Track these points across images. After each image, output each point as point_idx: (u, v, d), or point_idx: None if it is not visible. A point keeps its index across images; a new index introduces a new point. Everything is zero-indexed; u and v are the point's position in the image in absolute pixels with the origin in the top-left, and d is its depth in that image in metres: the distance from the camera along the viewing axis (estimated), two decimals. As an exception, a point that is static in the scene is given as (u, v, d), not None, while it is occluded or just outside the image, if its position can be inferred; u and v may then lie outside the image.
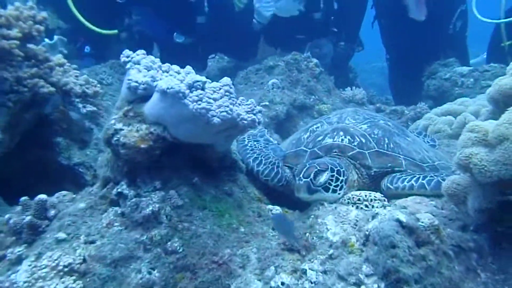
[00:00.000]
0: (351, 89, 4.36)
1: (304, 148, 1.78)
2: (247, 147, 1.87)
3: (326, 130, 1.79)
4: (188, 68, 1.52)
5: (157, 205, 1.46)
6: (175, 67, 1.59)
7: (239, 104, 1.50)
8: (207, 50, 4.61)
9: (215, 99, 1.43)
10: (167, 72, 1.55)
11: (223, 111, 1.41)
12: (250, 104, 1.53)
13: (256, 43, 4.67)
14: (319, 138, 1.76)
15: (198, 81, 1.43)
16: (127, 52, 1.51)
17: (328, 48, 4.72)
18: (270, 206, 1.67)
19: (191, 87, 1.42)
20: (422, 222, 1.13)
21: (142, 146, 1.44)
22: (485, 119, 1.33)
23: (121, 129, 1.44)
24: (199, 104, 1.39)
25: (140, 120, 1.47)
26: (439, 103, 3.82)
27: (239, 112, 1.45)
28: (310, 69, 4.12)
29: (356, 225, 1.32)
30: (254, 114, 1.51)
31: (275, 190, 1.78)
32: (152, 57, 1.56)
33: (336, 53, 4.88)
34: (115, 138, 1.44)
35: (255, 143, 1.90)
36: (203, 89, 1.46)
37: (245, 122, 1.48)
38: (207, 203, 1.58)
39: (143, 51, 1.54)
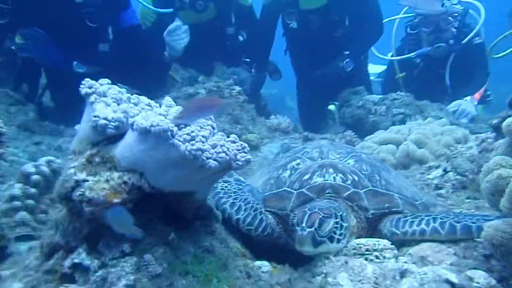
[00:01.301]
0: (276, 117, 4.29)
1: (289, 189, 1.57)
2: (220, 190, 1.60)
3: (312, 167, 1.60)
4: (168, 99, 1.23)
5: (131, 277, 1.13)
6: (144, 99, 1.29)
7: (232, 142, 1.26)
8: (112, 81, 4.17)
9: (206, 137, 1.17)
10: (137, 105, 1.25)
11: (220, 152, 1.15)
12: (237, 141, 1.29)
13: (165, 75, 4.40)
14: (306, 177, 1.57)
15: (187, 116, 1.16)
16: (89, 82, 1.18)
17: (245, 74, 4.64)
18: (258, 263, 1.42)
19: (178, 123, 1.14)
20: (478, 283, 0.98)
21: (115, 200, 1.11)
22: (502, 152, 1.25)
23: (85, 180, 1.10)
24: (193, 145, 1.11)
25: (110, 167, 1.13)
26: (356, 131, 3.92)
27: (235, 152, 1.21)
28: (234, 97, 3.97)
29: (378, 285, 1.14)
30: (246, 153, 1.27)
31: (256, 241, 1.53)
32: (117, 87, 1.24)
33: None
34: (77, 193, 1.08)
35: (226, 184, 1.64)
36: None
37: (239, 163, 1.23)
38: (189, 266, 1.28)
39: (107, 80, 1.22)
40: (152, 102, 1.29)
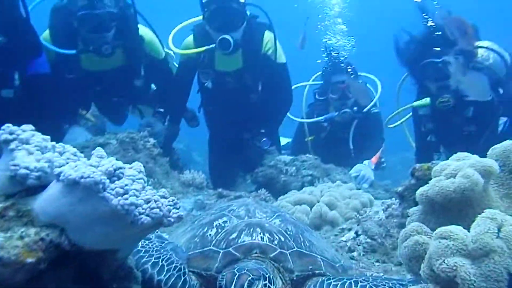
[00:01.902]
0: (190, 172, 4.23)
1: (215, 248, 1.52)
2: (140, 248, 1.50)
3: (239, 225, 1.58)
4: (99, 150, 1.16)
5: None
6: (71, 148, 1.20)
7: (162, 197, 1.20)
8: None
9: (139, 191, 1.11)
10: (62, 155, 1.15)
11: (154, 208, 1.09)
12: (167, 196, 1.24)
13: (69, 123, 4.18)
14: (233, 236, 1.54)
15: (120, 168, 1.09)
16: (10, 127, 1.06)
17: (160, 127, 4.58)
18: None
19: (111, 175, 1.07)
20: None
21: (28, 260, 0.98)
22: (417, 219, 1.36)
23: (-6, 237, 0.96)
24: (126, 199, 1.04)
25: (27, 221, 1.01)
26: (268, 189, 4.02)
27: (169, 208, 1.15)
28: (148, 149, 3.86)
29: None
30: (178, 209, 1.23)
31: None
32: (41, 135, 1.14)
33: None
34: (-16, 251, 0.94)
35: (147, 242, 1.54)
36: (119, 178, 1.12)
37: (172, 220, 1.17)
38: (105, 333, 1.16)
39: (31, 126, 1.11)
40: (78, 152, 1.21)
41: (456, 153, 1.39)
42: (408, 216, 1.53)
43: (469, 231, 1.07)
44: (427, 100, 4.05)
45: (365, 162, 4.89)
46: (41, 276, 1.07)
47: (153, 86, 4.82)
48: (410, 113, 4.71)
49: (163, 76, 4.57)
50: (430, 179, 1.39)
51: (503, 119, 3.85)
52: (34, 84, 3.55)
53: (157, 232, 1.67)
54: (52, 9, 4.01)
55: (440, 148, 4.36)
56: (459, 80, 3.49)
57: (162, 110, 4.60)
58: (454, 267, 1.01)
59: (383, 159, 5.62)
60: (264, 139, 4.56)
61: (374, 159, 5.07)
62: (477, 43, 3.89)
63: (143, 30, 4.25)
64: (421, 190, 1.33)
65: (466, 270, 0.99)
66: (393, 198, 2.49)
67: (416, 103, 4.22)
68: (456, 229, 1.07)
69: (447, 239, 1.06)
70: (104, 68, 4.13)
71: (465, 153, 1.36)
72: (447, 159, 1.40)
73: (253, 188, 4.34)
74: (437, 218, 1.29)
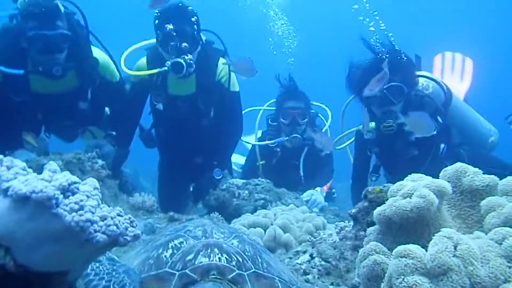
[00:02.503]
0: (140, 195, 4.10)
1: (170, 270, 1.45)
2: (90, 271, 1.41)
3: (196, 246, 1.53)
4: (53, 164, 1.09)
5: None
6: (20, 163, 1.12)
7: (118, 215, 1.14)
8: None
9: (94, 208, 1.05)
10: (10, 169, 1.07)
11: (111, 225, 1.03)
12: (123, 214, 1.19)
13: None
14: (190, 257, 1.48)
15: (75, 182, 1.03)
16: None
17: (109, 148, 4.42)
18: None
19: (65, 190, 1.01)
20: None
21: (-31, 282, 0.89)
22: (374, 239, 1.38)
23: None
24: (81, 215, 0.98)
25: (-31, 239, 0.92)
26: (220, 213, 3.97)
27: (126, 226, 1.10)
28: (95, 170, 3.69)
29: None
30: (135, 228, 1.17)
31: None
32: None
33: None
34: None
35: (97, 264, 1.45)
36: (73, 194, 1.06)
37: (128, 239, 1.12)
38: None
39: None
40: (27, 168, 1.13)
41: (399, 176, 1.44)
42: (362, 238, 1.56)
43: (426, 250, 1.10)
44: (372, 124, 4.20)
45: (317, 189, 4.96)
46: (-19, 300, 0.98)
47: (107, 109, 4.67)
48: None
49: (117, 99, 4.45)
50: (383, 201, 1.43)
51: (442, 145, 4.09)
52: None
53: (108, 254, 1.59)
54: (2, 29, 3.81)
55: (379, 171, 4.52)
56: (404, 122, 3.67)
57: (113, 133, 4.47)
58: (414, 286, 1.03)
59: (333, 190, 5.74)
60: (217, 169, 4.54)
61: (325, 188, 5.16)
62: (418, 73, 4.13)
63: (97, 52, 4.14)
64: (378, 210, 1.36)
65: (425, 288, 1.01)
66: (346, 221, 2.53)
67: (361, 127, 4.37)
68: (414, 248, 1.10)
69: (406, 257, 1.08)
70: (54, 90, 3.95)
71: (420, 174, 1.42)
72: (388, 182, 1.44)
73: (204, 211, 4.27)
74: (394, 237, 1.32)
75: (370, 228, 1.46)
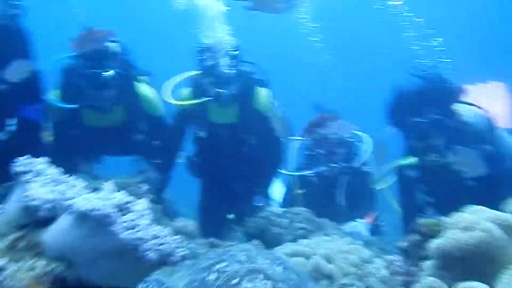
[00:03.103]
0: (181, 220, 4.18)
1: (215, 294, 1.50)
2: (140, 291, 1.47)
3: (240, 271, 1.56)
4: (110, 184, 1.18)
5: None
6: (81, 183, 1.21)
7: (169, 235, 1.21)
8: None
9: (146, 227, 1.12)
10: (73, 188, 1.17)
11: (162, 244, 1.10)
12: (172, 235, 1.25)
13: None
14: (234, 282, 1.52)
15: (129, 202, 1.11)
16: (25, 159, 1.09)
17: (153, 174, 4.54)
18: None
19: (120, 209, 1.08)
20: None
21: (35, 291, 0.97)
22: (431, 274, 1.34)
23: (4, 268, 0.95)
24: (134, 234, 1.05)
25: (36, 253, 1.01)
26: (259, 241, 3.94)
27: (175, 246, 1.15)
28: (140, 196, 3.82)
29: None
30: (183, 248, 1.22)
31: None
32: (53, 168, 1.16)
33: None
34: (-6, 280, 0.93)
35: (145, 285, 1.52)
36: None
37: (176, 259, 1.17)
38: None
39: (45, 159, 1.14)
40: (88, 187, 1.22)
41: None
42: (414, 274, 1.51)
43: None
44: (413, 159, 4.07)
45: (360, 220, 4.84)
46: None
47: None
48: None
49: (161, 132, 4.65)
50: (436, 235, 1.39)
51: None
52: (29, 131, 3.61)
53: (154, 276, 1.64)
54: (62, 69, 4.20)
55: (429, 209, 4.31)
56: (452, 161, 3.53)
57: (159, 161, 4.64)
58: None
59: (382, 223, 5.54)
60: (257, 196, 4.58)
61: (369, 219, 5.02)
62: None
63: (143, 88, 4.40)
64: (436, 243, 1.33)
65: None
66: (394, 255, 2.45)
67: (402, 162, 4.24)
68: (479, 285, 1.07)
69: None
70: (104, 124, 4.26)
71: (480, 206, 1.37)
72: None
73: (244, 239, 4.28)
74: (452, 272, 1.28)
75: (427, 262, 1.43)
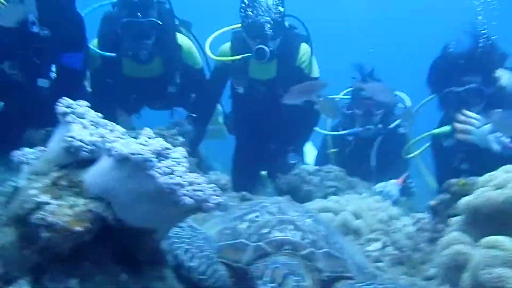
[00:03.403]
0: (215, 173, 4.24)
1: (245, 241, 1.52)
2: (173, 234, 1.52)
3: (271, 221, 1.58)
4: (148, 130, 1.19)
5: (76, 319, 1.01)
6: (119, 128, 1.23)
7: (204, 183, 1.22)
8: None
9: (183, 173, 1.13)
10: (112, 132, 1.18)
11: (197, 190, 1.11)
12: (208, 183, 1.26)
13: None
14: (265, 231, 1.54)
15: (167, 149, 1.12)
16: (67, 100, 1.11)
17: (189, 127, 4.59)
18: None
19: (159, 155, 1.09)
20: None
21: (77, 229, 1.01)
22: (458, 229, 1.33)
23: (47, 203, 0.99)
24: (172, 178, 1.06)
25: (77, 192, 1.04)
26: (291, 197, 3.96)
27: (210, 193, 1.17)
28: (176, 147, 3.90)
29: None
30: (218, 196, 1.24)
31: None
32: (94, 111, 1.18)
33: None
34: (37, 216, 0.97)
35: (179, 229, 1.56)
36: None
37: (211, 206, 1.19)
38: (137, 311, 1.18)
39: (86, 102, 1.15)
40: (125, 133, 1.24)
41: None
42: (441, 231, 1.50)
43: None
44: (447, 128, 3.93)
45: (392, 181, 4.80)
46: (84, 247, 1.10)
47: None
48: (428, 143, 4.58)
49: (198, 85, 4.64)
50: (466, 194, 1.36)
51: None
52: (69, 78, 3.67)
53: (188, 222, 1.69)
54: (102, 18, 4.21)
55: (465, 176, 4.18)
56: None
57: (194, 115, 4.67)
58: (501, 278, 0.99)
59: (412, 183, 5.47)
60: (291, 153, 4.58)
61: (400, 180, 4.96)
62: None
63: (182, 39, 4.35)
64: (465, 199, 1.31)
65: (512, 281, 0.97)
66: (424, 213, 2.45)
67: (436, 131, 4.10)
68: (505, 240, 1.05)
69: (495, 248, 1.04)
70: (143, 75, 4.25)
71: (513, 166, 1.33)
72: None
73: (275, 195, 4.33)
74: (480, 229, 1.26)
75: (454, 218, 1.42)
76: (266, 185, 4.94)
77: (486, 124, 3.38)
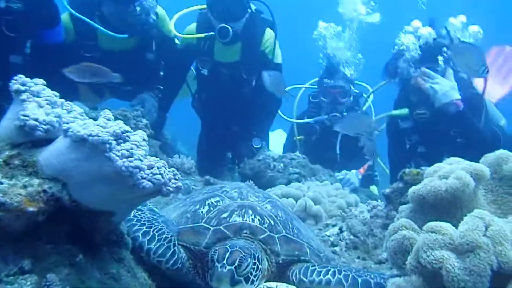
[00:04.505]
0: (179, 157, 4.22)
1: (205, 225, 1.54)
2: (132, 217, 1.52)
3: (231, 205, 1.60)
4: (107, 112, 1.17)
5: (29, 299, 1.00)
6: (78, 108, 1.21)
7: (164, 166, 1.22)
8: None
9: (142, 156, 1.13)
10: (69, 112, 1.16)
11: (156, 174, 1.11)
12: (167, 166, 1.26)
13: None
14: (225, 215, 1.56)
15: (127, 131, 1.11)
16: (22, 78, 1.07)
17: (152, 102, 4.50)
18: (165, 298, 1.35)
19: (118, 137, 1.09)
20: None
21: (30, 209, 0.99)
22: (405, 216, 1.40)
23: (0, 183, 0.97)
24: (131, 161, 1.06)
25: (31, 172, 1.02)
26: (254, 182, 4.03)
27: (170, 177, 1.17)
28: (139, 129, 3.82)
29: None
30: (177, 180, 1.24)
31: (164, 274, 1.46)
32: (50, 90, 1.15)
33: None
34: (-12, 194, 0.95)
35: (139, 212, 1.56)
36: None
37: (170, 189, 1.19)
38: (93, 292, 1.18)
39: (42, 80, 1.12)
40: (84, 114, 1.22)
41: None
42: (393, 218, 1.57)
43: (457, 229, 1.12)
44: (405, 110, 4.09)
45: (353, 171, 4.93)
46: (38, 228, 1.09)
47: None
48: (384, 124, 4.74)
49: (171, 55, 4.55)
50: (417, 183, 1.43)
51: None
52: (45, 54, 3.53)
53: (149, 205, 1.69)
54: None
55: (419, 159, 4.38)
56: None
57: (161, 87, 4.58)
58: (441, 260, 1.05)
59: (376, 173, 5.63)
60: (256, 138, 4.61)
61: (361, 170, 5.10)
62: None
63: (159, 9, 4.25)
64: (413, 188, 1.37)
65: (452, 263, 1.03)
66: (379, 200, 2.54)
67: (395, 112, 4.26)
68: (445, 225, 1.12)
69: (436, 233, 1.10)
70: (120, 48, 4.12)
71: (458, 158, 1.41)
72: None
73: (239, 180, 4.36)
74: (425, 216, 1.33)
75: (403, 206, 1.48)
76: (231, 169, 4.98)
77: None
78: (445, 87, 3.64)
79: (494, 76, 4.71)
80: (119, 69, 4.20)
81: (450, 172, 1.30)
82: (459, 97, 3.63)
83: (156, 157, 3.63)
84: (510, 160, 1.36)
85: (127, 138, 1.11)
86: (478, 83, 4.13)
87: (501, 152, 1.39)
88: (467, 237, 1.05)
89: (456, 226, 1.13)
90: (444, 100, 3.63)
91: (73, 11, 3.84)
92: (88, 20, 3.86)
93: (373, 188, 5.21)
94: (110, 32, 3.91)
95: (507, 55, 4.82)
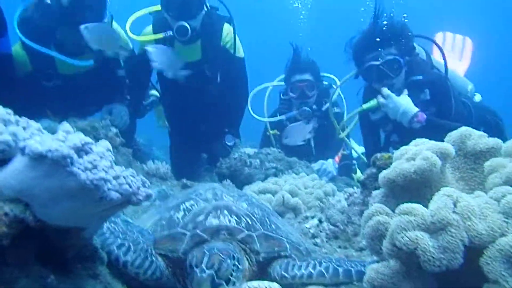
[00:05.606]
0: (153, 162, 4.17)
1: (182, 230, 1.52)
2: (105, 230, 1.48)
3: (206, 208, 1.58)
4: (66, 125, 1.13)
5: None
6: (35, 124, 1.16)
7: (131, 176, 1.19)
8: None
9: (108, 168, 1.10)
10: (26, 130, 1.12)
11: (123, 184, 1.08)
12: (135, 175, 1.23)
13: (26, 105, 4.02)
14: (200, 218, 1.54)
15: (88, 143, 1.08)
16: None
17: (119, 108, 4.41)
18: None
19: (79, 150, 1.05)
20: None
21: (-8, 234, 0.95)
22: (378, 201, 1.41)
23: (-44, 209, 0.93)
24: (95, 174, 1.03)
25: (-10, 195, 0.98)
26: (231, 181, 4.02)
27: (138, 186, 1.15)
28: (110, 138, 3.76)
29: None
30: (147, 188, 1.22)
31: (143, 285, 1.43)
32: (3, 108, 1.10)
33: None
34: None
35: (112, 224, 1.52)
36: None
37: (140, 198, 1.17)
38: (68, 314, 1.15)
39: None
40: (42, 128, 1.18)
41: None
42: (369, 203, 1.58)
43: (427, 209, 1.13)
44: (374, 102, 4.12)
45: (329, 160, 4.97)
46: (3, 252, 1.05)
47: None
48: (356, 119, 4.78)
49: (131, 62, 4.47)
50: (388, 167, 1.44)
51: None
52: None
53: (122, 216, 1.65)
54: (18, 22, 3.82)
55: (394, 148, 4.44)
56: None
57: (127, 97, 4.52)
58: (415, 240, 1.06)
59: (354, 161, 5.69)
60: (228, 135, 4.59)
61: (337, 159, 5.16)
62: None
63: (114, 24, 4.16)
64: (383, 173, 1.39)
65: (426, 242, 1.05)
66: (355, 187, 2.55)
67: (365, 106, 4.28)
68: (416, 206, 1.13)
69: (408, 214, 1.12)
70: (83, 69, 4.01)
71: (424, 139, 1.43)
72: None
73: (217, 180, 4.34)
74: (397, 199, 1.35)
75: (375, 191, 1.49)
76: (208, 169, 4.94)
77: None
78: (399, 108, 3.70)
79: (451, 55, 4.85)
80: (85, 91, 4.14)
81: (417, 153, 1.31)
82: (416, 109, 3.66)
83: (130, 165, 3.57)
84: (473, 136, 1.39)
85: (89, 149, 1.08)
86: (437, 57, 4.21)
87: (464, 129, 1.41)
88: (437, 215, 1.06)
89: (427, 206, 1.15)
90: (405, 120, 3.68)
91: (27, 40, 3.67)
92: (44, 49, 3.71)
93: (359, 176, 5.25)
94: (75, 61, 3.80)
95: (451, 37, 5.02)
